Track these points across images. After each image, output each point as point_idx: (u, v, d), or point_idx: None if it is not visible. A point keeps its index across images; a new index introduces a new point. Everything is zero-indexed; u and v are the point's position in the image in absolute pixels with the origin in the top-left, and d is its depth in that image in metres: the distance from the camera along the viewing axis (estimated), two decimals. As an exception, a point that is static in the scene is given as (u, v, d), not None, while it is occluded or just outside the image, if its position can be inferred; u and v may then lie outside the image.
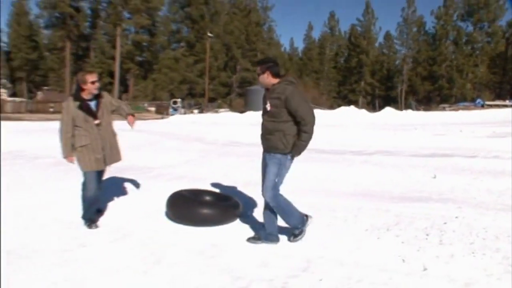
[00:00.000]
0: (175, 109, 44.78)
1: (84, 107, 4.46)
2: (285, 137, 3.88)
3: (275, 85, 3.94)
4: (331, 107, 43.31)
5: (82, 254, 3.87)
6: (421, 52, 63.62)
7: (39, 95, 60.42)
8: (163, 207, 5.01)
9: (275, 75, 3.97)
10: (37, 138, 13.55)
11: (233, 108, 52.27)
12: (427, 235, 4.37)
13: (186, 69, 59.40)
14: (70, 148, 4.47)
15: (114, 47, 55.39)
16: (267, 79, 3.96)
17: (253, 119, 27.84)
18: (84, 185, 4.69)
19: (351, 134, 16.42)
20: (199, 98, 55.81)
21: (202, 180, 7.10)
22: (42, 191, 6.37)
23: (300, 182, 7.03)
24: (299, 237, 4.14)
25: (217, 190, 5.89)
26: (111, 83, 55.62)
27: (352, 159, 9.79)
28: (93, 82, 4.42)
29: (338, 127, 20.21)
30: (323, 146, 12.50)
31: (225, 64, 63.87)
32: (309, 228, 4.32)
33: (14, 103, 43.82)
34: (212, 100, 57.40)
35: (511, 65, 61.82)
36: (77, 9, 56.64)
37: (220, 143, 13.41)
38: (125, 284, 3.30)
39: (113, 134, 4.80)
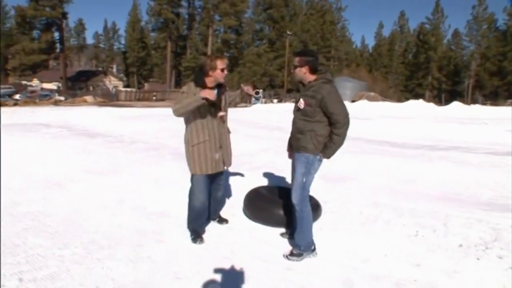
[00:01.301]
0: (257, 99, 44.36)
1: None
2: (316, 138, 3.09)
3: (311, 82, 3.15)
4: (399, 100, 40.59)
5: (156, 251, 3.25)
6: (491, 48, 58.04)
7: (146, 86, 63.87)
8: (241, 202, 4.30)
9: (314, 71, 3.15)
10: (137, 123, 13.67)
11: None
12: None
13: (267, 64, 59.26)
14: (193, 96, 3.22)
15: (206, 45, 56.54)
16: (305, 74, 3.15)
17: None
18: (192, 192, 3.51)
19: (421, 128, 14.78)
20: (278, 89, 55.11)
21: (280, 171, 6.34)
22: (130, 175, 5.93)
23: (379, 179, 6.05)
24: (294, 258, 3.21)
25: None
26: (204, 76, 56.84)
27: (428, 155, 8.50)
28: (222, 69, 3.34)
29: (408, 119, 18.48)
30: (395, 138, 11.28)
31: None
32: (392, 239, 3.41)
33: (126, 92, 46.15)
34: (289, 91, 56.66)
35: None
36: (177, 15, 58.51)
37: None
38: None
39: (229, 131, 3.67)
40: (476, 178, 6.39)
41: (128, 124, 13.50)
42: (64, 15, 46.91)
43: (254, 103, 39.92)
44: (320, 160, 3.19)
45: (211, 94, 3.19)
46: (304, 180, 3.16)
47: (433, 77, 64.03)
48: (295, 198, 3.19)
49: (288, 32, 53.37)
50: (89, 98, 36.86)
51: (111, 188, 5.12)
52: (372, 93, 40.35)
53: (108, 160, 7.02)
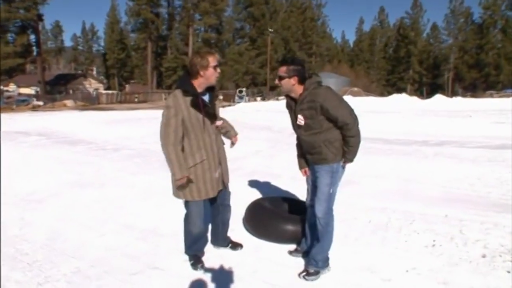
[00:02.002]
0: (241, 97, 43.91)
1: (199, 104, 2.73)
2: (333, 145, 2.75)
3: (302, 94, 2.75)
4: (381, 94, 40.75)
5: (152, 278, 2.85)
6: (468, 41, 59.03)
7: (127, 88, 62.80)
8: (239, 213, 3.89)
9: (303, 81, 2.75)
10: (121, 128, 13.12)
11: (291, 96, 50.88)
12: None
13: (249, 62, 59.04)
14: (185, 165, 2.73)
15: (187, 44, 55.77)
16: (293, 86, 2.75)
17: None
18: (189, 217, 2.97)
19: (409, 122, 14.61)
20: (261, 87, 54.86)
21: (276, 176, 5.98)
22: (115, 187, 5.48)
23: (380, 181, 5.73)
24: (312, 277, 2.86)
25: (296, 195, 4.73)
26: (185, 76, 56.25)
27: (423, 151, 8.26)
28: (215, 67, 2.76)
29: (394, 114, 18.35)
30: (386, 135, 11.05)
31: (284, 56, 62.23)
32: (409, 251, 3.10)
33: (107, 95, 45.20)
34: (272, 88, 56.51)
35: None
36: (157, 15, 57.64)
37: (286, 132, 12.07)
38: None
39: (223, 142, 3.09)
40: (477, 175, 6.16)
41: (111, 129, 12.95)
42: (40, 17, 45.43)
43: (238, 102, 39.52)
44: (343, 167, 2.86)
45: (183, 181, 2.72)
46: (331, 190, 2.82)
47: (414, 71, 64.73)
48: (320, 211, 2.83)
49: (269, 30, 53.26)
50: (69, 102, 35.86)
51: (96, 204, 4.67)
52: (356, 88, 40.45)
53: (91, 171, 6.54)
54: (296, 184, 5.52)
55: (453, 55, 60.98)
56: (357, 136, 2.75)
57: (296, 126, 2.89)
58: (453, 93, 48.27)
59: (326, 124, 2.72)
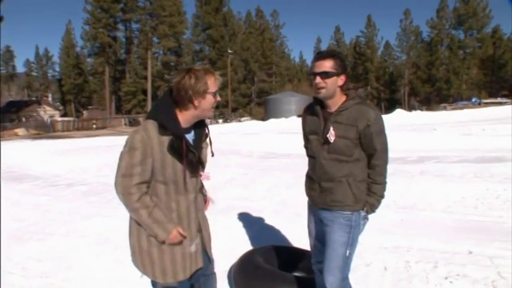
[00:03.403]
0: (203, 120, 42.93)
1: (182, 150, 1.78)
2: (357, 185, 1.98)
3: (344, 104, 1.99)
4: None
5: None
6: (420, 58, 61.78)
7: (85, 114, 60.40)
8: (221, 270, 2.98)
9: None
10: (75, 158, 11.80)
11: (253, 116, 50.83)
12: None
13: (210, 84, 58.52)
14: (166, 219, 1.82)
15: (146, 68, 54.68)
16: (338, 89, 1.99)
17: (275, 126, 26.12)
18: None
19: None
20: (223, 109, 54.19)
21: (256, 211, 5.11)
22: (65, 237, 4.41)
23: (378, 211, 5.01)
24: None
25: (286, 236, 3.89)
26: (145, 100, 55.12)
27: (406, 170, 7.67)
28: (215, 94, 1.84)
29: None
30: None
31: (244, 77, 62.19)
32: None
33: (63, 122, 43.09)
34: (234, 109, 56.14)
35: (498, 66, 60.47)
36: (114, 39, 56.20)
37: (256, 155, 11.26)
38: None
39: (208, 201, 2.22)
40: (474, 195, 5.62)
41: (65, 160, 11.58)
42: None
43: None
44: (366, 218, 2.05)
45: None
46: (348, 252, 2.00)
47: (372, 87, 66.52)
48: (332, 283, 1.99)
49: (229, 51, 53.10)
50: (20, 130, 33.60)
51: (36, 265, 3.60)
52: (317, 106, 40.52)
53: (36, 215, 5.38)
54: (281, 219, 4.72)
55: (407, 71, 63.33)
56: (383, 183, 2.05)
57: (316, 143, 2.06)
58: (410, 107, 49.85)
59: (358, 153, 1.97)
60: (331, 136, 1.97)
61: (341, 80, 1.98)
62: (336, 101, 2.00)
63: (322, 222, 2.11)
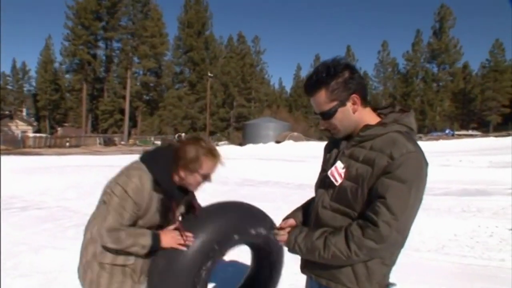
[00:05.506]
0: (180, 143, 42.24)
1: (173, 209, 1.87)
2: (363, 262, 1.39)
3: (372, 129, 1.36)
4: (320, 139, 41.16)
5: None
6: (397, 89, 63.44)
7: (60, 131, 58.63)
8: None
9: (366, 101, 1.41)
10: (38, 178, 10.86)
11: (231, 140, 50.47)
12: None
13: (188, 106, 58.21)
14: (147, 231, 1.80)
15: (124, 87, 53.87)
16: (353, 113, 1.39)
17: (253, 152, 25.60)
18: None
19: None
20: (200, 132, 53.68)
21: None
22: (7, 277, 3.65)
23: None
24: None
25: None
26: (122, 119, 54.19)
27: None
28: (206, 177, 1.80)
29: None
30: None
31: (223, 101, 62.14)
32: None
33: (35, 138, 41.47)
34: (212, 133, 55.62)
35: (468, 100, 62.89)
36: (94, 56, 55.35)
37: (232, 182, 10.57)
38: None
39: None
40: (466, 232, 5.21)
41: (27, 179, 10.61)
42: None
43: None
44: None
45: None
46: None
47: (348, 116, 67.91)
48: None
49: (209, 74, 53.11)
50: (-13, 145, 31.89)
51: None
52: (295, 133, 40.51)
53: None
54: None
55: (384, 101, 64.86)
56: (380, 243, 1.27)
57: (319, 183, 1.52)
58: (387, 137, 50.86)
59: (366, 207, 1.31)
60: (337, 176, 1.37)
61: (352, 104, 1.38)
62: (357, 126, 1.41)
63: None
